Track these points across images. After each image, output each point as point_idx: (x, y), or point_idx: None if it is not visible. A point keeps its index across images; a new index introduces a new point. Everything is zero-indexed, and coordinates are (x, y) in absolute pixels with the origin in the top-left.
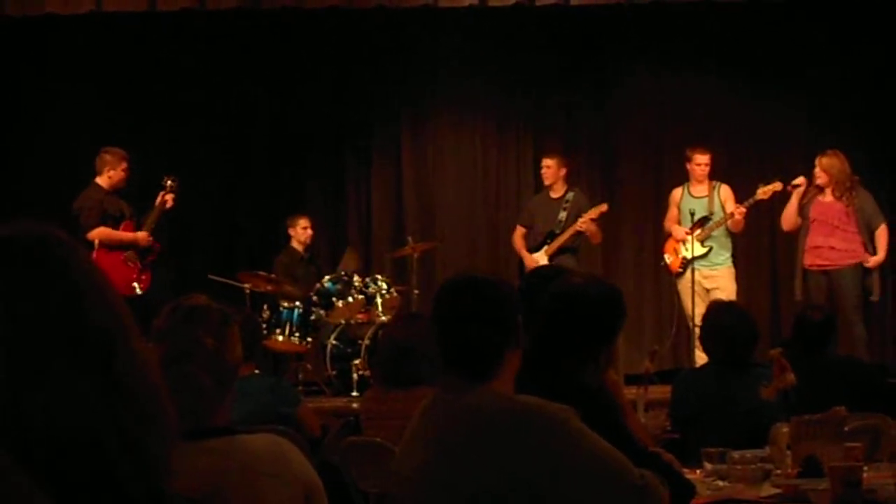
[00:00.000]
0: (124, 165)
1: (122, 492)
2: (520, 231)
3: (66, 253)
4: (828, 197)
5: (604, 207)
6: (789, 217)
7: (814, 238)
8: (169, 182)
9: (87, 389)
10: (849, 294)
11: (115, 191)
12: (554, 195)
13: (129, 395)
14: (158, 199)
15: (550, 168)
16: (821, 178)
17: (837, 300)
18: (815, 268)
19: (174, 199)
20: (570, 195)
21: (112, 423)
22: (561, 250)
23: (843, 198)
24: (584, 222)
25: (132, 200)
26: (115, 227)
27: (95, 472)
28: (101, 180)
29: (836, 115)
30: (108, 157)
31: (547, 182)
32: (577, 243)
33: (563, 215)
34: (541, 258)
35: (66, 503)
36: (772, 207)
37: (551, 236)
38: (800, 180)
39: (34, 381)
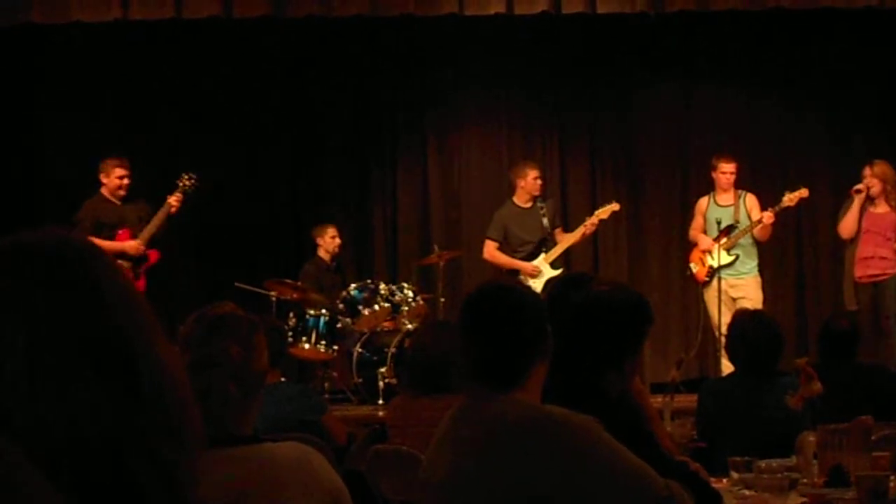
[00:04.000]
0: (118, 173)
1: (144, 500)
2: (493, 245)
3: (89, 260)
4: (879, 208)
5: (615, 206)
6: (850, 224)
7: (865, 249)
8: (183, 181)
9: (110, 398)
10: (891, 304)
11: (119, 198)
12: (524, 205)
13: (154, 404)
14: (166, 203)
15: (542, 179)
16: (874, 186)
17: (881, 310)
18: (865, 279)
19: (180, 201)
20: (542, 202)
21: (135, 432)
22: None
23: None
24: (593, 223)
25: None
26: (111, 234)
27: (117, 481)
28: (103, 189)
29: (860, 123)
30: (103, 165)
31: (538, 193)
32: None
33: (546, 222)
34: (541, 265)
35: None
36: (798, 216)
37: (546, 244)
38: (862, 186)
39: (55, 390)
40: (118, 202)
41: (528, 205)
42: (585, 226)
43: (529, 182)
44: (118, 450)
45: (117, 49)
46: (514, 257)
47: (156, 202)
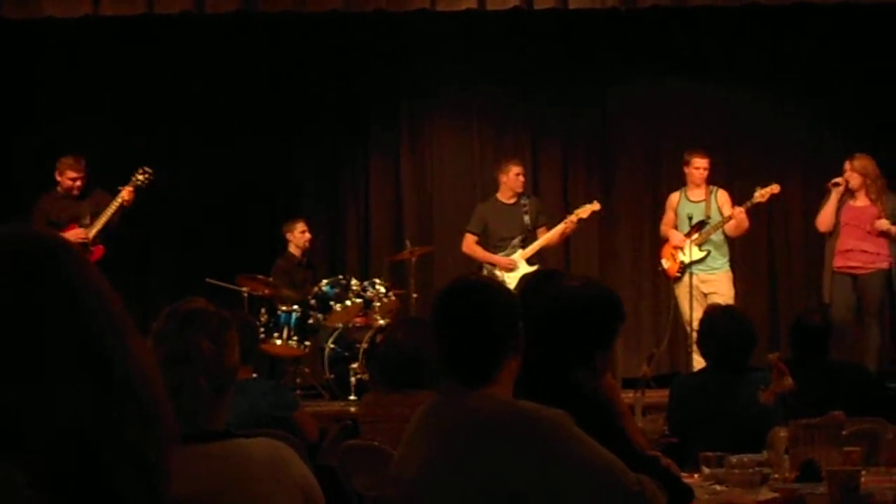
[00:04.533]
0: (70, 175)
1: (118, 496)
2: (472, 238)
3: (62, 255)
4: (859, 201)
5: (596, 206)
6: (828, 218)
7: (845, 241)
8: (138, 175)
9: (83, 393)
10: (874, 299)
11: (72, 193)
12: (507, 201)
13: (127, 399)
14: (118, 195)
15: (524, 176)
16: (853, 179)
17: (863, 304)
18: (844, 270)
19: (132, 194)
20: (526, 199)
21: (108, 428)
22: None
23: (878, 202)
24: (571, 222)
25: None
26: (58, 231)
27: (90, 476)
28: (59, 184)
29: (834, 119)
30: (59, 163)
31: (521, 190)
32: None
33: (527, 219)
34: (518, 261)
35: None
36: (769, 211)
37: (524, 240)
38: (840, 179)
39: (26, 386)
40: (73, 198)
41: (511, 201)
42: (566, 223)
43: (511, 178)
44: (92, 445)
45: (90, 45)
46: (492, 252)
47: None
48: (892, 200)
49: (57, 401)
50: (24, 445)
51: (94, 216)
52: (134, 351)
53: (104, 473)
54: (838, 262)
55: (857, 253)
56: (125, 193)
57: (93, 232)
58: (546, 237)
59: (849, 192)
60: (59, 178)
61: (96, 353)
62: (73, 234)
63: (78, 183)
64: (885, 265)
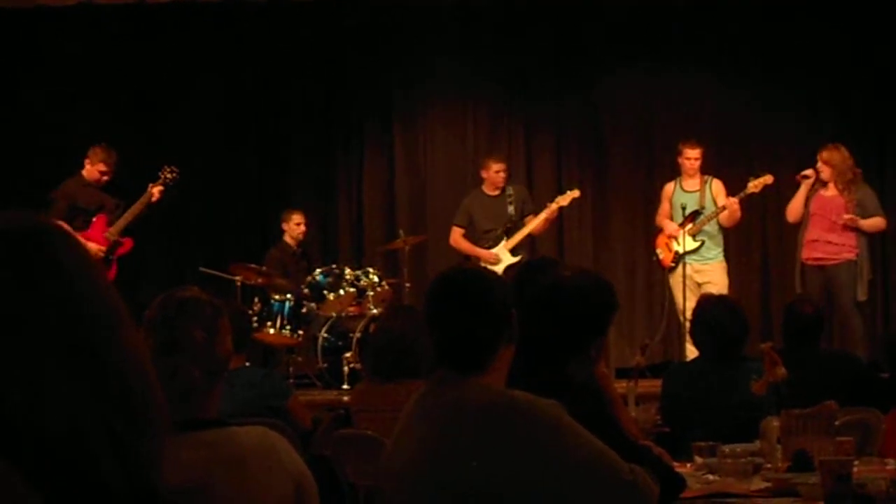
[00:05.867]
0: (101, 167)
1: (107, 488)
2: (459, 231)
3: (55, 242)
4: (829, 191)
5: (576, 193)
6: (796, 209)
7: (812, 232)
8: (166, 174)
9: (71, 383)
10: (846, 289)
11: (98, 184)
12: (491, 193)
13: (120, 391)
14: (147, 192)
15: (505, 172)
16: (823, 171)
17: (834, 296)
18: (811, 262)
19: (162, 192)
20: (511, 188)
21: (97, 420)
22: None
23: (845, 192)
24: (553, 210)
25: (123, 194)
26: (87, 219)
27: (78, 468)
28: (84, 172)
29: (826, 108)
30: (91, 152)
31: (502, 185)
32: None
33: (511, 209)
34: (501, 252)
35: (53, 500)
36: (763, 202)
37: (507, 231)
38: (809, 171)
39: (14, 373)
40: (98, 188)
41: (496, 193)
42: (547, 211)
43: (492, 175)
44: (79, 436)
45: (82, 35)
46: (478, 244)
47: (116, 188)
48: (864, 192)
49: (44, 390)
50: (13, 439)
51: (117, 209)
52: (128, 341)
53: (94, 465)
54: (805, 253)
55: (822, 244)
56: (155, 192)
57: (121, 226)
58: (528, 226)
59: (820, 183)
60: (88, 166)
61: (88, 344)
62: (93, 248)
63: (105, 178)
64: (851, 256)
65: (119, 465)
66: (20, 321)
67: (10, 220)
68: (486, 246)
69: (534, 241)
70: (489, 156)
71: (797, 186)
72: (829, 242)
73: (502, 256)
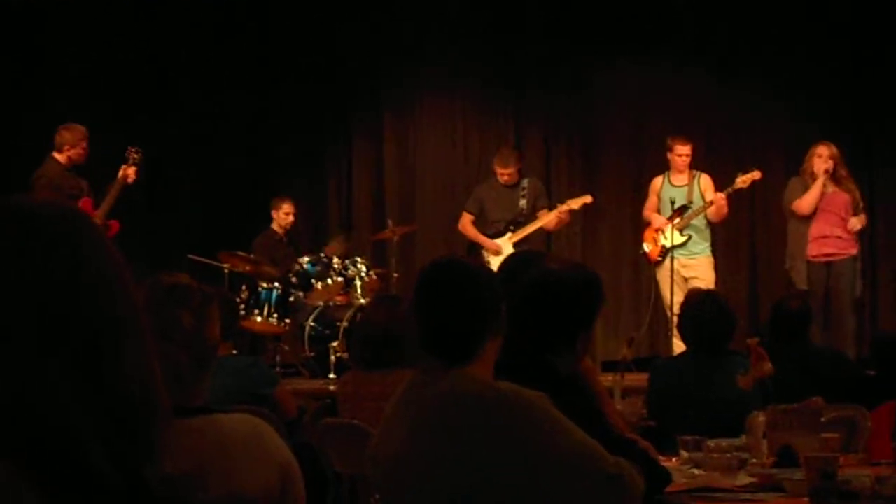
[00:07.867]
0: (84, 144)
1: (98, 480)
2: (468, 218)
3: (73, 228)
4: (830, 187)
5: (588, 199)
6: (811, 202)
7: (820, 228)
8: (133, 154)
9: (66, 376)
10: (847, 286)
11: (74, 167)
12: (505, 183)
13: (121, 384)
14: (120, 174)
15: (512, 174)
16: (828, 165)
17: (835, 292)
18: (819, 258)
19: (137, 173)
20: (526, 181)
21: (93, 415)
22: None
23: (847, 188)
24: (564, 212)
25: (106, 180)
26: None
27: (68, 458)
28: (60, 156)
29: (815, 106)
30: (67, 134)
31: (510, 182)
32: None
33: (523, 203)
34: (504, 244)
35: (44, 492)
36: (751, 197)
37: (515, 224)
38: (829, 165)
39: (11, 366)
40: (73, 171)
41: (510, 183)
42: (558, 213)
43: (498, 175)
44: (69, 429)
45: (74, 18)
46: (486, 233)
47: (106, 172)
48: (855, 189)
49: (37, 380)
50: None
51: (90, 193)
52: (136, 337)
53: (81, 456)
54: (814, 250)
55: (832, 239)
56: (130, 172)
57: (105, 210)
58: (538, 224)
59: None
60: (69, 151)
61: (92, 339)
62: (87, 209)
63: (87, 150)
64: (854, 251)
65: (112, 458)
66: (16, 302)
67: (41, 204)
68: (492, 237)
69: (528, 235)
70: (497, 157)
71: (785, 182)
72: (839, 238)
73: (504, 248)
